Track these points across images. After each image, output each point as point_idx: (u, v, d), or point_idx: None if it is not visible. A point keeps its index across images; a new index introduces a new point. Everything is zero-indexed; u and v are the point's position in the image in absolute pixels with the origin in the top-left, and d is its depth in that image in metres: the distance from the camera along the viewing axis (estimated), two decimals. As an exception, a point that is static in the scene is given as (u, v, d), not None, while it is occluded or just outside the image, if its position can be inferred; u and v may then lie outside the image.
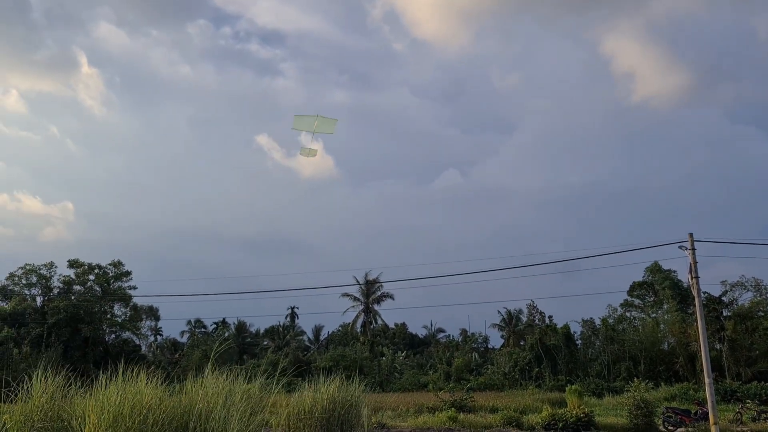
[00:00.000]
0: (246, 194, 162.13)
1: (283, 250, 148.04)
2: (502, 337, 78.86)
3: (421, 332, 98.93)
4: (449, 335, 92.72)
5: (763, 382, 44.19)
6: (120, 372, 10.40)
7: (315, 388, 14.27)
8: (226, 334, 79.01)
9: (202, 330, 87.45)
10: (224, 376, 12.22)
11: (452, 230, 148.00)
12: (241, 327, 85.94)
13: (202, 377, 11.77)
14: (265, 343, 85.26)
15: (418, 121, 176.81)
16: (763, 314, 54.86)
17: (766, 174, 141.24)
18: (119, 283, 66.29)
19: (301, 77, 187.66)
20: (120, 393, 9.92)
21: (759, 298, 55.13)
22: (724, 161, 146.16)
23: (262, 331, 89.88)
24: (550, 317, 65.84)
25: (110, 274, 65.74)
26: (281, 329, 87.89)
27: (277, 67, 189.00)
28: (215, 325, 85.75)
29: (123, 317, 67.27)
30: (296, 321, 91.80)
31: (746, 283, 55.72)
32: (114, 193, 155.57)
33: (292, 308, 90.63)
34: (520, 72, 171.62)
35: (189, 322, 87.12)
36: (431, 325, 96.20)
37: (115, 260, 66.28)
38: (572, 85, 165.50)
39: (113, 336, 66.99)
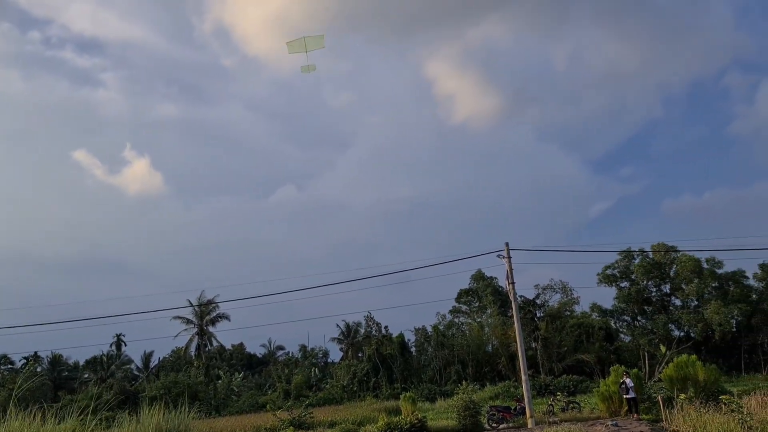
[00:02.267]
0: (64, 214, 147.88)
1: (107, 272, 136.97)
2: (341, 350, 79.72)
3: (260, 351, 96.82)
4: (289, 352, 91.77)
5: (571, 375, 49.43)
6: None
7: (138, 419, 13.35)
8: (38, 369, 70.86)
9: (9, 366, 77.58)
10: (33, 417, 11.02)
11: (291, 246, 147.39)
12: (56, 360, 77.62)
13: (5, 420, 10.51)
14: (86, 376, 77.79)
15: (252, 136, 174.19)
16: (569, 313, 61.51)
17: (568, 185, 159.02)
18: None
19: (125, 88, 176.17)
20: None
21: (566, 299, 61.75)
22: (534, 175, 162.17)
23: (82, 363, 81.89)
24: (386, 327, 67.96)
25: None
26: (105, 359, 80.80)
27: (96, 77, 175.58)
28: (25, 360, 76.53)
29: None
30: (123, 349, 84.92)
31: (555, 286, 62.15)
32: None
33: (118, 336, 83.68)
34: (352, 90, 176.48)
35: (-8, 359, 76.80)
36: (270, 344, 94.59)
37: None
38: (401, 104, 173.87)
39: None
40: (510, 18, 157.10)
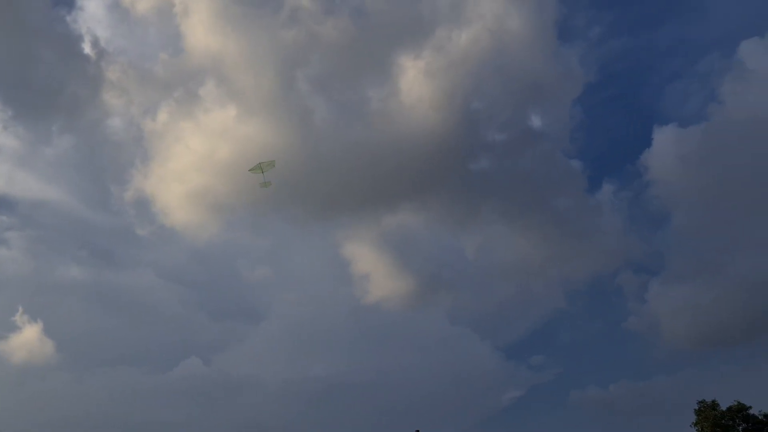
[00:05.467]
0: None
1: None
2: None
3: None
4: None
5: None
6: None
7: None
8: None
9: None
10: None
11: (192, 427, 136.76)
12: None
13: None
14: None
15: (161, 305, 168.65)
16: None
17: (482, 371, 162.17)
18: None
19: (31, 248, 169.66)
20: None
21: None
22: (448, 359, 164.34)
23: None
24: None
25: None
26: None
27: (1, 235, 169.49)
28: None
29: None
30: None
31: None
32: None
33: None
34: (269, 265, 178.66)
35: None
36: None
37: None
38: (318, 281, 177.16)
39: None
40: (424, 208, 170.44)
